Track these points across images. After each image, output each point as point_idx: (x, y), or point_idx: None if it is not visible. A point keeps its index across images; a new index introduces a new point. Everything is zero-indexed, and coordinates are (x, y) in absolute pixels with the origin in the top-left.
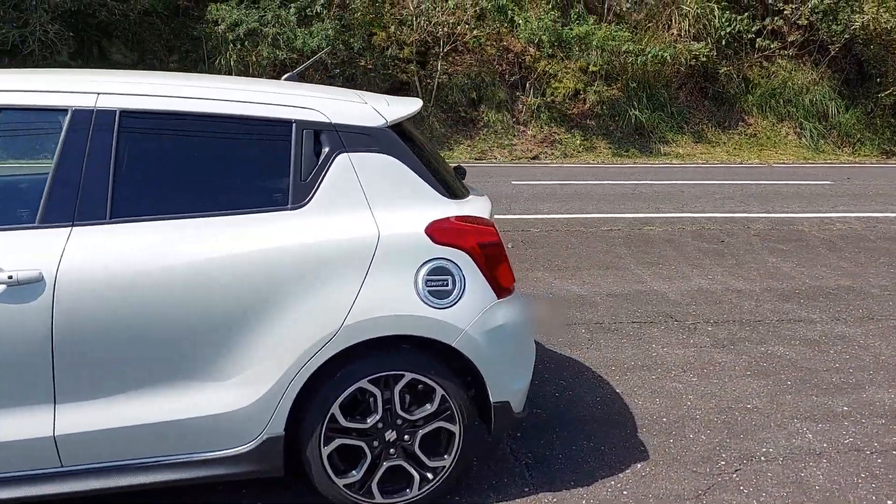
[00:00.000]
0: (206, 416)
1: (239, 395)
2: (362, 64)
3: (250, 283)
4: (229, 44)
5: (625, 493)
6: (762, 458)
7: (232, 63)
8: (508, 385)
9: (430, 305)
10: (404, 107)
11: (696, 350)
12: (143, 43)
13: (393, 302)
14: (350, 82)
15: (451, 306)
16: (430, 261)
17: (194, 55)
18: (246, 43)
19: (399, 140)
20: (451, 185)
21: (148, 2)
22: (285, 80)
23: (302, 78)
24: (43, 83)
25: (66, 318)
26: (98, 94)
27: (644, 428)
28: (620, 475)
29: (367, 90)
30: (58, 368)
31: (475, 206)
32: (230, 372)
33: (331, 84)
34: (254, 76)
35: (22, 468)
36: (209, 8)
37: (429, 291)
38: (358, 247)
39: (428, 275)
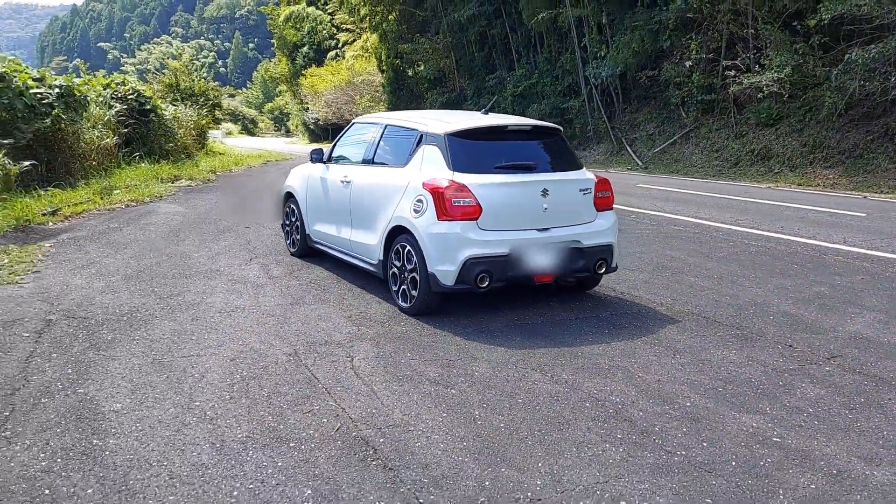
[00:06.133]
0: (369, 244)
1: (375, 238)
2: None
3: (383, 193)
4: None
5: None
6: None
7: None
8: (435, 264)
9: (412, 216)
10: (463, 124)
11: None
12: None
13: (403, 211)
14: None
15: (419, 217)
16: (419, 195)
17: None
18: None
19: (446, 139)
20: (466, 162)
21: None
22: (482, 112)
23: (487, 112)
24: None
25: (353, 196)
26: (381, 118)
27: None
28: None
29: None
30: (352, 214)
31: (463, 177)
32: (374, 227)
33: None
34: None
35: (343, 248)
36: None
37: (413, 209)
38: (401, 185)
39: (415, 202)
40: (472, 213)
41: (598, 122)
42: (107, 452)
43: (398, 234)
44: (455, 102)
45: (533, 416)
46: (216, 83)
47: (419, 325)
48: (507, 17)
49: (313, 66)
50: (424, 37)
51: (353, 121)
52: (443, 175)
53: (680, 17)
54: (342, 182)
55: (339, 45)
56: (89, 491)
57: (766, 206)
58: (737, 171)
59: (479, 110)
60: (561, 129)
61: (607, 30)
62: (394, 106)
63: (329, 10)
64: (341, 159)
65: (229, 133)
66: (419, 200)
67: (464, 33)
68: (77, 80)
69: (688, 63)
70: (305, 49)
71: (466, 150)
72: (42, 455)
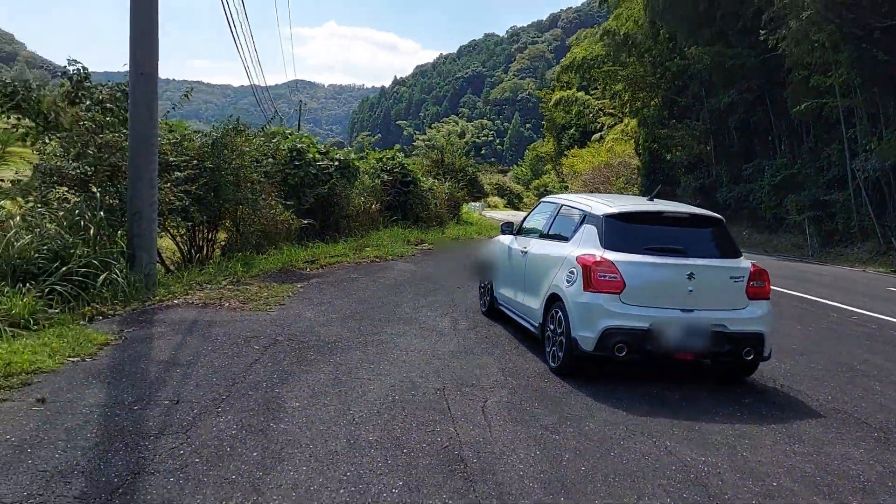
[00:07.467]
0: (533, 307)
1: (538, 302)
2: None
3: (548, 264)
4: None
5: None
6: None
7: None
8: (577, 330)
9: (565, 285)
10: (622, 208)
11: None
12: None
13: (559, 280)
14: None
15: (569, 286)
16: (572, 268)
17: None
18: None
19: (603, 220)
20: (618, 242)
21: None
22: (648, 198)
23: (653, 198)
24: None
25: (527, 265)
26: (560, 199)
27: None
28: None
29: None
30: (525, 280)
31: (612, 255)
32: (538, 293)
33: None
34: None
35: (516, 310)
36: None
37: (566, 279)
38: (562, 257)
39: (569, 273)
40: (616, 287)
41: (865, 219)
42: (276, 432)
43: (554, 301)
44: (709, 189)
45: (614, 467)
46: (492, 160)
47: (559, 383)
48: (770, 104)
49: (576, 147)
50: (682, 123)
51: (540, 200)
52: (595, 251)
53: None
54: (522, 252)
55: (602, 128)
56: (254, 454)
57: None
58: None
59: (710, 198)
60: (722, 219)
61: (881, 120)
62: (646, 189)
63: (595, 96)
64: (528, 232)
65: (493, 206)
66: (571, 272)
67: (723, 120)
68: (353, 155)
69: None
70: (572, 131)
71: (620, 231)
72: (235, 427)
